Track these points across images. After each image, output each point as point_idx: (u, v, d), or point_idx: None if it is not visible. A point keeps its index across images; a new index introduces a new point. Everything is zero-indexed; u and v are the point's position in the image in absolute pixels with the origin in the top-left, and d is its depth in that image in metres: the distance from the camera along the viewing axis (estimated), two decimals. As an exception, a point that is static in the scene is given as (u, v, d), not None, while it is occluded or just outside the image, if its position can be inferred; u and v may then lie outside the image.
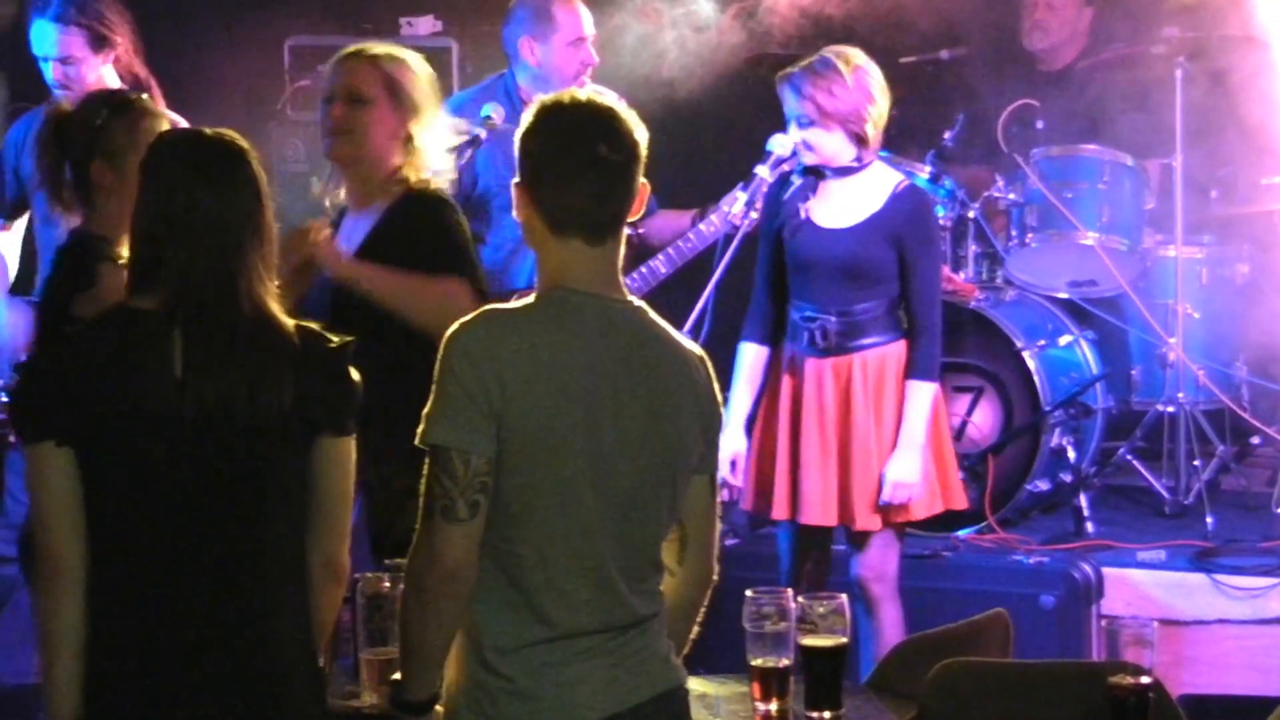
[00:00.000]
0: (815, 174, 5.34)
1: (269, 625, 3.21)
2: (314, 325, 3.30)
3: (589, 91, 3.29)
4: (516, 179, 3.19)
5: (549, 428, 3.05)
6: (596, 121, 3.15)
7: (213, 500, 3.16)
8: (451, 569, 3.05)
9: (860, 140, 5.24)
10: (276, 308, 3.24)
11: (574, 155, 3.13)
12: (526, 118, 3.20)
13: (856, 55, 5.27)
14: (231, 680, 3.18)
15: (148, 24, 6.91)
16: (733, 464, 5.33)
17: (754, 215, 5.66)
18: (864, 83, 5.22)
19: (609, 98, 3.25)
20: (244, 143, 3.28)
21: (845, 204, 5.30)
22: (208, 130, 3.32)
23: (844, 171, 5.30)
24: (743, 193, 5.76)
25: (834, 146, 5.25)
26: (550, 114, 3.17)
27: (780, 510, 5.34)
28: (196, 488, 3.16)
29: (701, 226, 6.19)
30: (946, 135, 6.89)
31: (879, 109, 5.25)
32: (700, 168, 5.94)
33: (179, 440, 3.14)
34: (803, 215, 5.31)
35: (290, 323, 3.24)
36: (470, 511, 3.04)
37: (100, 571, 3.18)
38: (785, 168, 5.51)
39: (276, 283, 3.28)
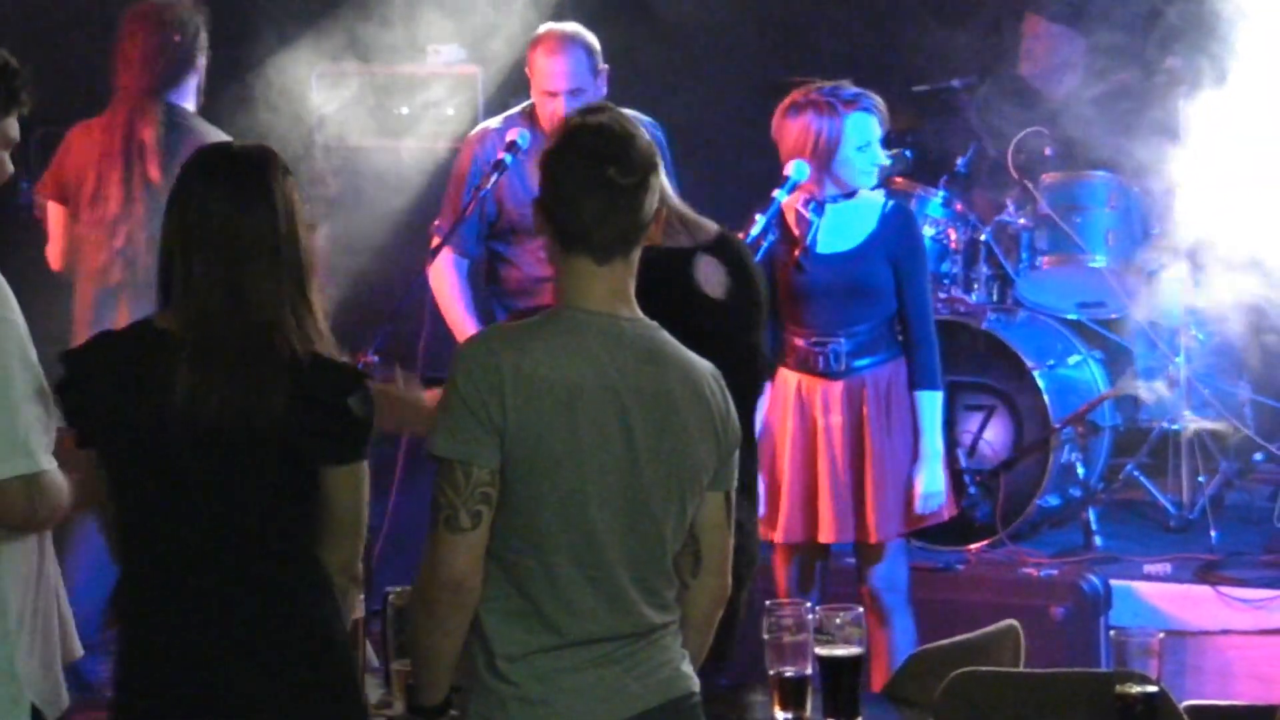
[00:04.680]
0: (806, 202, 5.38)
1: (287, 623, 3.23)
2: (342, 359, 3.25)
3: (614, 114, 3.31)
4: (536, 196, 3.25)
5: (550, 442, 3.09)
6: (610, 144, 3.18)
7: (219, 510, 3.18)
8: (455, 578, 3.09)
9: (833, 176, 5.33)
10: (295, 327, 3.18)
11: (584, 175, 3.16)
12: (551, 137, 3.28)
13: (848, 93, 5.32)
14: (255, 676, 3.21)
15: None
16: None
17: (770, 238, 5.78)
18: (837, 123, 5.27)
19: (634, 122, 3.27)
20: (274, 156, 3.23)
21: (841, 229, 5.38)
22: (236, 143, 3.32)
23: (835, 198, 5.38)
24: (761, 216, 5.86)
25: (811, 175, 5.32)
26: (569, 134, 3.22)
27: (784, 533, 5.39)
28: (200, 497, 3.18)
29: None
30: (959, 161, 7.02)
31: (845, 151, 5.29)
32: (733, 195, 6.02)
33: (181, 452, 3.16)
34: (802, 242, 5.37)
35: (308, 348, 3.18)
36: (472, 521, 3.08)
37: (126, 571, 3.26)
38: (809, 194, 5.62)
39: (320, 305, 3.24)
